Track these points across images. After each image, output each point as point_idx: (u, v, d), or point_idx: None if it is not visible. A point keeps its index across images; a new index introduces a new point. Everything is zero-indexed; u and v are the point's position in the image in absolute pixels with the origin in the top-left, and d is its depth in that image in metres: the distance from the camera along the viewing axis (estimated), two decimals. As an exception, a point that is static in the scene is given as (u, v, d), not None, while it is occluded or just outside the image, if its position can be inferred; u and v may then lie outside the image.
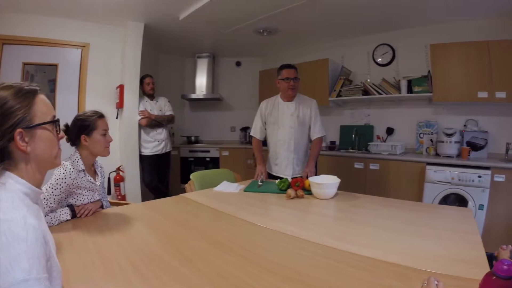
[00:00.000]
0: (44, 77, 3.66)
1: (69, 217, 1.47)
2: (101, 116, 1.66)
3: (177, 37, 4.49)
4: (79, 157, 1.59)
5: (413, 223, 1.50)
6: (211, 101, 5.64)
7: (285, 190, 2.08)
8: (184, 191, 2.33)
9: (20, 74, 3.49)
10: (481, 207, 2.82)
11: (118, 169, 3.78)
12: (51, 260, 0.69)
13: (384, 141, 4.04)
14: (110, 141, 1.69)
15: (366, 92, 3.97)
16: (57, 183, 1.45)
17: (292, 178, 2.22)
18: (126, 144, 3.83)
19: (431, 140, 3.62)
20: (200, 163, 5.08)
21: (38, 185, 0.80)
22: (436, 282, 0.80)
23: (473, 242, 1.22)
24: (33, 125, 0.76)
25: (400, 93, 3.71)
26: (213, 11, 3.43)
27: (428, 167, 3.12)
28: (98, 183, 1.68)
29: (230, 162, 4.89)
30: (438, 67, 3.33)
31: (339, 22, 3.82)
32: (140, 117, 3.82)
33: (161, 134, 3.98)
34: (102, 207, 1.70)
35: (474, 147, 3.26)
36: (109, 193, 3.62)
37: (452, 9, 3.17)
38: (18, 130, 0.73)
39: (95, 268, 0.97)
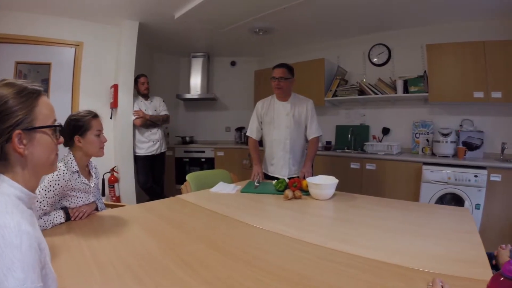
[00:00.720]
0: (37, 76, 3.59)
1: (63, 220, 1.43)
2: (95, 116, 1.62)
3: (172, 36, 4.45)
4: (72, 158, 1.55)
5: (413, 223, 1.50)
6: (206, 101, 5.61)
7: (283, 190, 2.06)
8: (179, 192, 2.30)
9: (12, 73, 3.43)
10: (477, 206, 2.83)
11: (113, 170, 3.73)
12: (46, 268, 0.66)
13: (380, 141, 4.04)
14: (104, 142, 1.65)
15: (362, 92, 3.97)
16: (50, 185, 1.41)
17: (289, 179, 2.20)
18: (120, 144, 3.79)
19: (427, 140, 3.64)
20: (195, 163, 5.05)
21: (33, 189, 0.76)
22: (441, 284, 0.79)
23: (473, 241, 1.22)
24: (33, 127, 0.73)
25: (396, 93, 3.72)
26: (209, 10, 3.40)
27: (424, 167, 3.13)
28: (92, 185, 1.65)
29: (226, 163, 4.86)
30: (434, 67, 3.35)
31: (335, 22, 3.81)
32: (134, 117, 3.78)
33: (155, 134, 3.95)
34: (97, 209, 1.67)
35: (470, 147, 3.28)
36: (103, 194, 3.57)
37: (448, 9, 3.18)
38: (17, 131, 0.69)
39: (90, 273, 0.94)
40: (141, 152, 3.88)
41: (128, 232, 1.35)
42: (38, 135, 0.75)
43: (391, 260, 1.04)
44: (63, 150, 1.55)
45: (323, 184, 1.95)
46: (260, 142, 2.78)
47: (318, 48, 4.64)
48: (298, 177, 2.43)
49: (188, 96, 5.27)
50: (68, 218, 1.46)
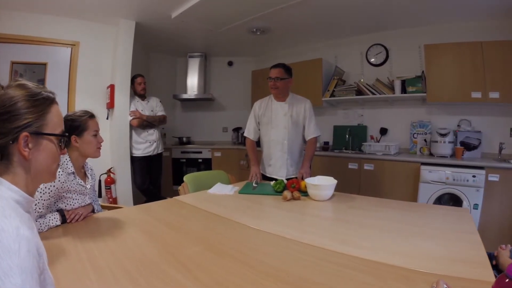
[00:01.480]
0: (33, 76, 3.55)
1: (59, 223, 1.41)
2: (91, 116, 1.60)
3: (169, 36, 4.42)
4: (68, 159, 1.52)
5: (412, 224, 1.49)
6: (203, 101, 5.59)
7: (281, 191, 2.05)
8: (176, 193, 2.28)
9: (8, 73, 3.39)
10: (475, 206, 2.83)
11: (109, 171, 3.70)
12: (44, 273, 0.64)
13: (378, 141, 4.04)
14: (101, 142, 1.63)
15: (359, 92, 3.96)
16: (45, 187, 1.38)
17: (287, 179, 2.19)
18: (117, 145, 3.76)
19: (425, 140, 3.64)
20: (192, 164, 5.02)
21: (31, 194, 0.75)
22: (445, 286, 0.78)
23: (473, 241, 1.22)
24: (42, 132, 0.73)
25: (394, 93, 3.71)
26: (206, 9, 3.39)
27: (422, 167, 3.13)
28: (88, 186, 1.63)
29: (223, 163, 4.84)
30: (432, 68, 3.35)
31: (333, 21, 3.81)
32: (131, 118, 3.75)
33: (152, 135, 3.92)
34: (93, 211, 1.64)
35: (468, 147, 3.29)
36: (100, 195, 3.53)
37: (445, 9, 3.18)
38: (25, 133, 0.69)
39: (87, 277, 0.92)
40: (138, 153, 3.86)
41: (125, 234, 1.33)
42: (44, 142, 0.74)
43: (391, 261, 1.03)
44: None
45: (322, 185, 1.94)
46: (258, 143, 2.76)
47: (316, 48, 4.63)
48: (296, 177, 2.41)
49: (185, 96, 5.24)
50: (64, 220, 1.43)
